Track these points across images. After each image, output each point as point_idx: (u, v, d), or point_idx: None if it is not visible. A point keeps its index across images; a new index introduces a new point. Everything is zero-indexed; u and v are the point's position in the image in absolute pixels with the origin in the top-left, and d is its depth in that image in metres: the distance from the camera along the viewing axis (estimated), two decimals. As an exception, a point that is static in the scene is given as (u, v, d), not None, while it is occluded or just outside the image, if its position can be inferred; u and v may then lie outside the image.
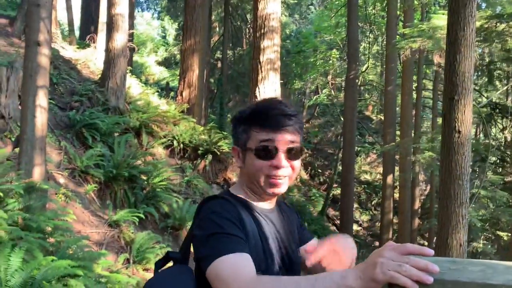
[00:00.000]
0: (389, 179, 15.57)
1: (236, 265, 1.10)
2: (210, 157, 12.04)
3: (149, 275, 7.48)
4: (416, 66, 16.61)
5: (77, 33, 19.57)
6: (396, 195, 18.29)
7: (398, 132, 17.83)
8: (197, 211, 1.30)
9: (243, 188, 1.36)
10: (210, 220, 1.20)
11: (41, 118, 5.80)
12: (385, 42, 22.42)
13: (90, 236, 7.17)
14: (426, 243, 19.50)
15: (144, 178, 9.49)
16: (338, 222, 22.64)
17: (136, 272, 7.36)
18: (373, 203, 26.69)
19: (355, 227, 21.08)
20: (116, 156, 9.13)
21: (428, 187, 23.81)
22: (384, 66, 18.11)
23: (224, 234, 1.17)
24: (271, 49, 12.08)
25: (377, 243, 23.38)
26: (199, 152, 11.94)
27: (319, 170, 26.60)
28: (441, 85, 14.18)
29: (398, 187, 18.63)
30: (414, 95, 16.61)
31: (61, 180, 7.98)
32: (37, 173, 5.85)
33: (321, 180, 25.98)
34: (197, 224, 1.26)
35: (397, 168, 17.76)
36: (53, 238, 5.61)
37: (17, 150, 6.46)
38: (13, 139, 7.38)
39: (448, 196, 2.89)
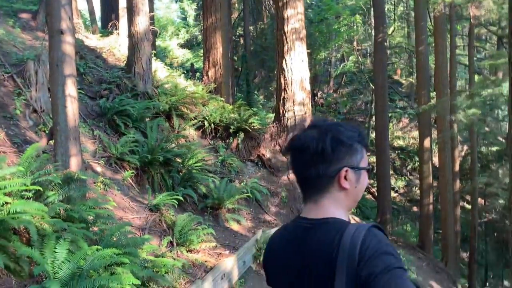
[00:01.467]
0: (427, 142, 15.05)
1: None
2: (242, 134, 11.89)
3: (194, 256, 7.48)
4: (448, 23, 15.78)
5: (98, 23, 19.56)
6: (434, 159, 17.76)
7: (432, 94, 17.16)
8: (361, 241, 1.15)
9: (338, 211, 1.29)
10: (391, 253, 1.12)
11: (72, 108, 5.73)
12: (410, 2, 21.42)
13: (132, 222, 7.18)
14: (469, 206, 18.98)
15: (179, 160, 9.45)
16: (374, 190, 22.28)
17: (180, 255, 7.36)
18: (408, 168, 26.13)
19: (391, 193, 20.65)
20: (150, 141, 9.09)
21: (465, 148, 23.03)
22: (412, 27, 17.32)
23: (403, 270, 1.10)
24: (295, 18, 11.67)
25: (415, 209, 22.96)
26: (231, 130, 11.79)
27: (351, 140, 26.09)
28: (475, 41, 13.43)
29: (435, 150, 18.08)
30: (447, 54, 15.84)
31: (98, 169, 8.00)
32: (74, 164, 5.82)
33: (354, 149, 25.50)
34: (375, 257, 1.11)
35: (433, 130, 17.17)
36: (96, 227, 5.60)
37: (52, 142, 6.46)
38: (47, 131, 7.40)
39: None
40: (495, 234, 20.98)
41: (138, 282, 4.96)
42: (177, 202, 8.09)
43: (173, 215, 8.03)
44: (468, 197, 20.90)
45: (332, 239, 1.19)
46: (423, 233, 15.34)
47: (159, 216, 7.86)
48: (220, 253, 8.13)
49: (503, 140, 20.60)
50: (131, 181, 8.43)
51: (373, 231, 1.17)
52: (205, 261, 7.59)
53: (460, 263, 17.10)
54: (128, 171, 8.43)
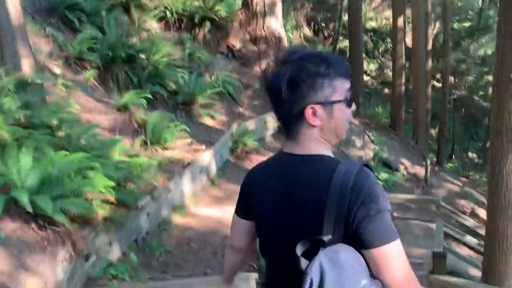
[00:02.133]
0: (400, 21, 14.61)
1: (403, 249, 1.17)
2: (208, 24, 11.17)
3: (170, 153, 7.39)
4: None
5: None
6: (407, 39, 17.45)
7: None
8: (353, 180, 1.15)
9: (320, 146, 1.27)
10: (383, 196, 1.15)
11: (12, 2, 5.05)
12: None
13: (100, 124, 6.90)
14: (439, 84, 19.24)
15: (143, 56, 8.89)
16: (347, 75, 22.13)
17: (156, 153, 7.25)
18: (380, 50, 25.83)
19: (364, 77, 20.61)
20: (109, 37, 8.42)
21: (437, 25, 22.64)
22: None
23: (389, 212, 1.16)
24: None
25: (386, 90, 23.24)
26: (196, 20, 11.04)
27: (322, 24, 25.23)
28: None
29: (408, 29, 17.69)
30: None
31: (57, 71, 7.45)
32: (26, 66, 5.32)
33: (326, 34, 24.80)
34: (370, 200, 1.12)
35: (407, 9, 16.61)
36: (61, 132, 5.31)
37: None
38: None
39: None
40: (463, 109, 21.72)
41: (112, 183, 4.85)
42: (146, 101, 7.77)
43: (143, 114, 7.75)
44: (438, 76, 21.13)
45: (323, 176, 1.18)
46: (394, 113, 15.65)
47: (128, 116, 7.57)
48: (197, 149, 8.07)
49: (474, 16, 20.31)
50: (94, 82, 7.95)
51: (364, 171, 1.17)
52: (182, 158, 7.54)
53: (429, 140, 17.86)
54: (89, 71, 7.91)
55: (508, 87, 2.47)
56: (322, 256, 1.08)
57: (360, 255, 1.13)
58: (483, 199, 12.98)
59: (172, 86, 9.06)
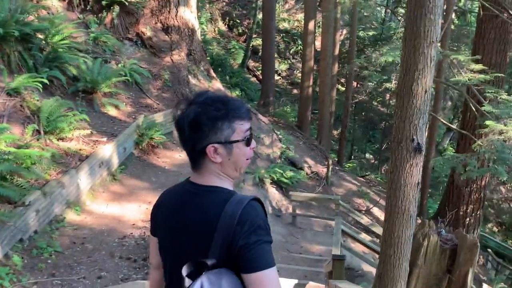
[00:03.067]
0: (311, 24, 15.08)
1: (278, 277, 1.29)
2: (117, 8, 10.53)
3: (66, 145, 6.81)
4: None
5: None
6: (317, 43, 18.11)
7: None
8: (240, 213, 1.29)
9: (220, 179, 1.41)
10: (265, 227, 1.30)
11: None
12: None
13: (-16, 108, 6.14)
14: (343, 88, 20.27)
15: (41, 36, 8.09)
16: (259, 73, 22.48)
17: (50, 144, 6.63)
18: (291, 51, 26.55)
19: (275, 77, 21.06)
20: (0, 12, 7.51)
21: (344, 32, 23.85)
22: None
23: (270, 244, 1.29)
24: None
25: (295, 91, 24.00)
26: (103, 2, 10.33)
27: (237, 20, 25.29)
28: None
29: (318, 33, 18.38)
30: None
31: None
32: None
33: (240, 31, 24.90)
34: (251, 231, 1.28)
35: (318, 14, 17.22)
36: None
37: None
38: None
39: (417, 35, 2.45)
40: (363, 113, 23.13)
41: (-6, 178, 4.31)
42: (41, 85, 7.06)
43: (37, 100, 7.06)
44: (342, 80, 22.28)
45: (216, 206, 1.31)
46: (301, 114, 16.17)
47: (20, 101, 6.83)
48: (97, 141, 7.54)
49: (378, 26, 21.70)
50: (-21, 61, 7.05)
51: (252, 205, 1.31)
52: (80, 150, 6.99)
53: (331, 140, 18.74)
54: (-26, 48, 6.98)
55: (409, 98, 2.57)
56: (204, 278, 1.23)
57: (239, 279, 1.27)
58: (376, 197, 13.93)
59: (73, 71, 8.37)
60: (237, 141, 1.37)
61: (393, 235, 2.87)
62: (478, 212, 10.81)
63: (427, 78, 2.54)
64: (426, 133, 12.29)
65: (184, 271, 1.27)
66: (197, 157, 1.38)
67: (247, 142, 1.39)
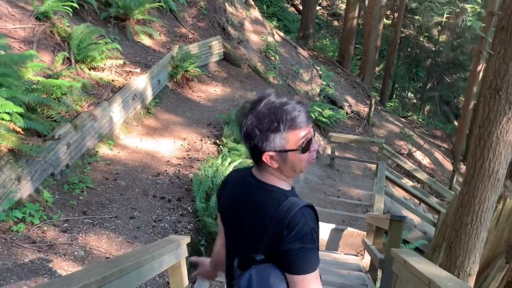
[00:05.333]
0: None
1: (319, 280, 1.40)
2: None
3: (98, 75, 6.46)
4: None
5: None
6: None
7: None
8: (290, 217, 1.34)
9: (278, 179, 1.45)
10: (311, 236, 1.34)
11: None
12: None
13: (12, 33, 5.77)
14: (388, 21, 18.78)
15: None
16: (297, 2, 21.17)
17: (81, 73, 6.29)
18: (334, -20, 24.83)
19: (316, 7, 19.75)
20: None
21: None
22: None
23: (316, 249, 1.36)
24: None
25: (336, 23, 22.64)
26: None
27: None
28: None
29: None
30: None
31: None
32: None
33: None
34: (297, 238, 1.33)
35: None
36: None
37: None
38: None
39: None
40: (408, 49, 21.73)
41: (20, 110, 4.01)
42: (71, 10, 6.61)
43: (68, 26, 6.64)
44: (388, 12, 20.70)
45: (270, 206, 1.38)
46: (343, 48, 15.20)
47: (49, 27, 6.43)
48: (130, 71, 7.15)
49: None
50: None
51: (303, 212, 1.35)
52: (112, 80, 6.63)
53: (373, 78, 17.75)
54: (-1, -34, 6.50)
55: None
56: (253, 271, 1.35)
57: (283, 276, 1.36)
58: (420, 140, 13.27)
59: (105, -5, 7.84)
60: (292, 150, 1.38)
61: (474, 201, 2.39)
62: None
63: (548, 6, 1.93)
64: (481, 74, 11.13)
65: (236, 262, 1.41)
66: (256, 159, 1.42)
67: (304, 149, 1.39)
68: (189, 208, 4.87)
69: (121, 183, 5.11)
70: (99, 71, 6.64)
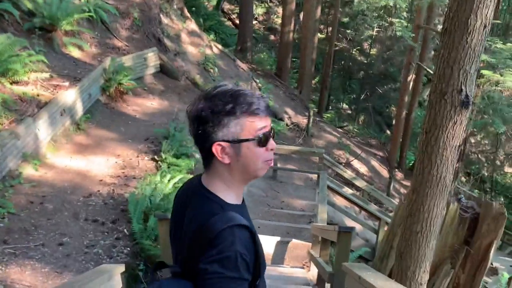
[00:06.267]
0: (294, -36, 13.97)
1: None
2: None
3: (20, 89, 5.94)
4: None
5: None
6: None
7: None
8: (216, 234, 1.16)
9: (224, 185, 1.28)
10: (234, 262, 1.15)
11: None
12: None
13: None
14: (322, 35, 19.34)
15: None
16: (234, 17, 21.29)
17: (1, 87, 5.76)
18: (269, -6, 25.28)
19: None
20: None
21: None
22: None
23: (241, 280, 1.16)
24: None
25: (272, 37, 22.98)
26: None
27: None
28: None
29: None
30: None
31: None
32: None
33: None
34: (216, 258, 1.14)
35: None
36: None
37: None
38: None
39: None
40: (342, 62, 22.47)
41: None
42: (-11, 19, 6.07)
43: (-15, 37, 6.07)
44: (321, 26, 21.32)
45: (201, 218, 1.21)
46: (281, 61, 15.37)
47: (-37, 38, 5.85)
48: (58, 85, 6.66)
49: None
50: None
51: (233, 231, 1.17)
52: (37, 95, 6.13)
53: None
54: None
55: (463, 34, 1.95)
56: (164, 282, 1.22)
57: None
58: (357, 150, 13.62)
59: (28, 5, 7.30)
60: (247, 140, 1.22)
61: (423, 209, 2.34)
62: (457, 165, 10.61)
63: (489, 9, 1.92)
64: (411, 84, 11.69)
65: (157, 270, 1.26)
66: (206, 156, 1.27)
67: (260, 142, 1.22)
68: (125, 230, 4.52)
69: (48, 207, 4.66)
70: (22, 85, 6.12)
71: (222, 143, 1.22)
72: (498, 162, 14.51)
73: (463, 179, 16.35)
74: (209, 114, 1.20)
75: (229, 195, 1.27)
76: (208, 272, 1.13)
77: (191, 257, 1.18)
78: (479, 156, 15.28)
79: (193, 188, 1.31)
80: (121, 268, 2.19)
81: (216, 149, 1.22)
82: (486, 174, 15.77)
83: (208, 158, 1.26)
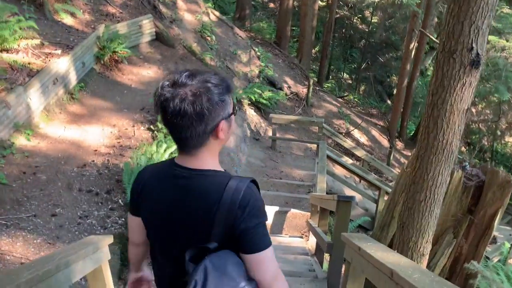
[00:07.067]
0: None
1: (274, 255, 1.35)
2: None
3: (10, 57, 5.74)
4: None
5: None
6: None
7: None
8: (241, 197, 1.27)
9: (214, 159, 1.37)
10: (263, 210, 1.32)
11: None
12: None
13: None
14: (322, 3, 18.81)
15: None
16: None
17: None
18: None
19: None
20: None
21: None
22: None
23: (265, 222, 1.32)
24: None
25: (272, 5, 22.43)
26: None
27: None
28: None
29: None
30: None
31: None
32: None
33: None
34: (252, 215, 1.27)
35: None
36: None
37: None
38: None
39: None
40: (343, 30, 22.01)
41: None
42: (-26, -17, 5.81)
43: (-29, 2, 5.83)
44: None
45: (214, 191, 1.27)
46: (280, 29, 15.00)
47: None
48: (50, 53, 6.45)
49: None
50: None
51: (251, 188, 1.30)
52: (28, 63, 5.93)
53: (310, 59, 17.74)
54: None
55: None
56: (207, 262, 1.24)
57: (240, 260, 1.29)
58: (357, 119, 13.45)
59: (16, -32, 6.99)
60: (233, 113, 1.35)
61: (427, 176, 2.22)
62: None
63: None
64: (413, 52, 11.41)
65: (187, 255, 1.26)
66: (202, 139, 1.29)
67: (234, 113, 1.36)
68: (119, 201, 4.43)
69: (41, 177, 4.55)
70: (12, 53, 5.92)
71: (223, 120, 1.29)
72: (498, 132, 14.37)
73: (463, 148, 16.26)
74: (216, 98, 1.24)
75: (218, 166, 1.36)
76: (250, 228, 1.26)
77: (225, 226, 1.25)
78: (480, 125, 15.12)
79: (176, 175, 1.32)
80: (109, 239, 2.09)
81: (222, 127, 1.29)
82: (486, 144, 15.66)
83: (203, 140, 1.29)
